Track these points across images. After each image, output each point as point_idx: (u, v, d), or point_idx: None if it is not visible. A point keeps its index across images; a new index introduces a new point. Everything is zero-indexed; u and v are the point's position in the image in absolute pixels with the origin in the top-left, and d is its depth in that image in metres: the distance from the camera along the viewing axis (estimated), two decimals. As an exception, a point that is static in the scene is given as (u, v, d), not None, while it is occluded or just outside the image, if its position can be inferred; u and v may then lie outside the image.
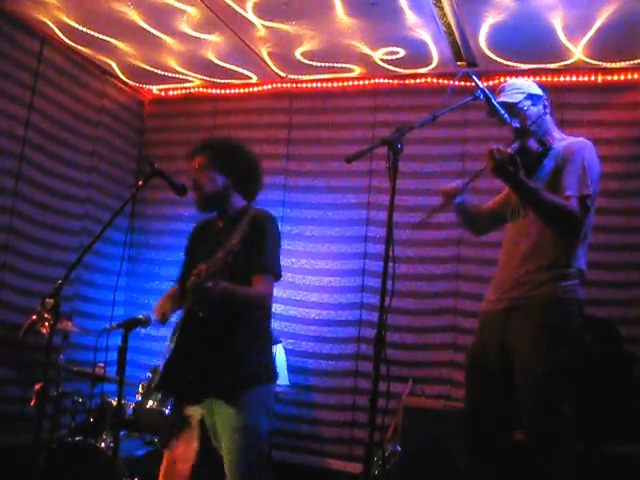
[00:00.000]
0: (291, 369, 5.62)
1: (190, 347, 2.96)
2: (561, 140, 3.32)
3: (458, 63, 5.44)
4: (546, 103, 3.36)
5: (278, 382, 5.14)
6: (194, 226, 3.40)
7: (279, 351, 5.31)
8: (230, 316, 2.96)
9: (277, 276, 3.09)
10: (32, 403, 3.26)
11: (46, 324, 2.78)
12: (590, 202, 3.10)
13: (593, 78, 5.38)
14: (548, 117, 3.36)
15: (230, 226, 2.99)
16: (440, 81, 5.71)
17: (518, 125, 3.27)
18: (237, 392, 2.94)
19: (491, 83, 5.35)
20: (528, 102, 3.30)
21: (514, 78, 3.53)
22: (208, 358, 2.94)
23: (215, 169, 3.12)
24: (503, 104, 3.26)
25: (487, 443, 3.21)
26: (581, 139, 3.28)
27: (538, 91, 3.37)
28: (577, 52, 5.05)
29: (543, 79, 5.28)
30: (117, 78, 6.25)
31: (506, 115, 3.13)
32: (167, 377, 3.03)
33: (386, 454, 4.49)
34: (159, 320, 3.10)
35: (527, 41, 4.94)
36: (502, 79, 5.33)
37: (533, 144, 3.22)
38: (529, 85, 3.39)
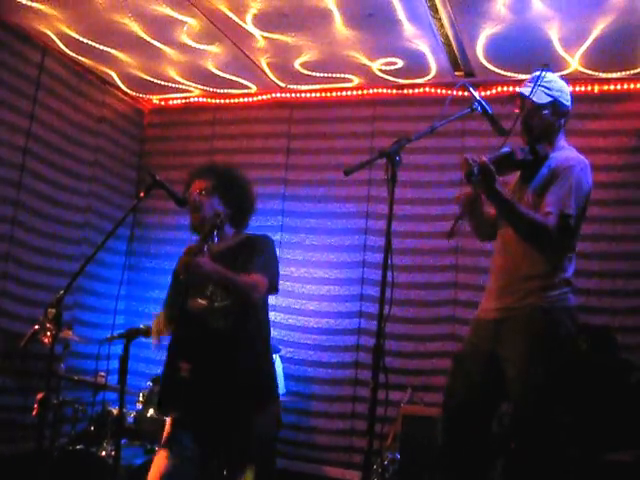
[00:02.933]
0: (290, 377, 5.65)
1: (193, 367, 2.98)
2: (561, 150, 3.22)
3: (456, 73, 5.49)
4: (567, 116, 3.24)
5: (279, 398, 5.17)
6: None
7: (276, 360, 5.32)
8: (233, 333, 3.00)
9: (273, 285, 3.09)
10: (34, 412, 3.27)
11: (48, 334, 2.80)
12: (572, 222, 3.02)
13: (590, 88, 5.42)
14: (561, 129, 3.25)
15: (222, 257, 3.06)
16: (438, 91, 5.76)
17: (532, 123, 3.16)
18: (245, 415, 2.98)
19: (489, 93, 5.41)
20: (550, 108, 3.18)
21: (552, 73, 3.28)
22: (212, 378, 2.97)
23: (218, 196, 3.15)
24: (524, 98, 3.16)
25: (462, 449, 3.20)
26: (576, 155, 3.18)
27: (566, 101, 3.23)
28: (574, 63, 5.09)
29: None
30: (117, 88, 6.29)
31: (502, 127, 3.12)
32: (170, 397, 3.07)
33: (385, 462, 4.51)
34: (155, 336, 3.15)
35: (524, 52, 4.98)
36: (500, 89, 5.40)
37: (520, 154, 3.12)
38: (561, 89, 3.22)
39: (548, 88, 3.19)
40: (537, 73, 3.19)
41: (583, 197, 3.10)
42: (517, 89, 3.24)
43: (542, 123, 3.19)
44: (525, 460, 3.00)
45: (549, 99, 3.17)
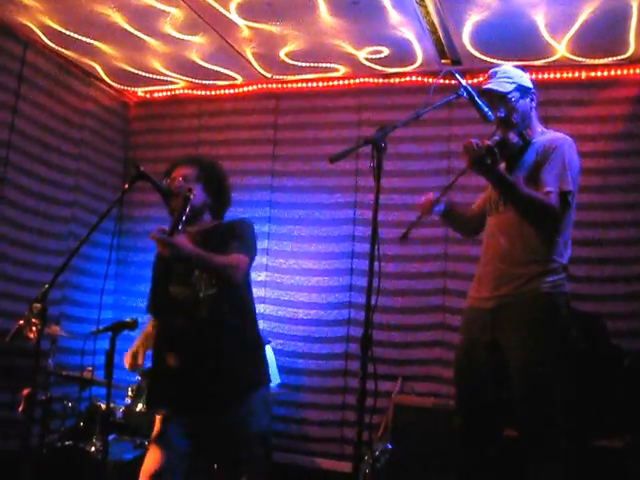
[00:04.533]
0: (280, 369, 5.62)
1: (181, 358, 2.96)
2: (542, 134, 3.31)
3: (442, 61, 5.46)
4: (533, 97, 3.35)
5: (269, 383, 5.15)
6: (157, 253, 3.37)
7: (268, 352, 5.30)
8: (220, 322, 2.98)
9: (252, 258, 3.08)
10: (20, 409, 3.25)
11: (34, 329, 2.77)
12: (571, 198, 3.09)
13: (577, 75, 5.41)
14: (534, 112, 3.36)
15: (201, 238, 3.06)
16: (425, 79, 5.71)
17: (503, 115, 3.24)
18: (237, 400, 2.96)
19: (475, 81, 5.36)
20: (517, 94, 3.27)
21: (506, 65, 3.48)
22: (202, 368, 2.94)
23: (200, 184, 3.14)
24: (492, 91, 3.25)
25: (480, 439, 3.21)
26: (561, 135, 3.27)
27: (528, 83, 3.35)
28: (561, 49, 5.08)
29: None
30: (102, 81, 6.23)
31: (490, 112, 3.12)
32: (158, 392, 3.05)
33: (377, 452, 4.50)
34: (129, 369, 3.16)
35: (510, 38, 4.96)
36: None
37: (514, 137, 3.19)
38: (521, 76, 3.36)
39: (508, 77, 3.32)
40: (493, 70, 3.39)
41: (576, 173, 3.17)
42: (483, 87, 3.32)
43: (516, 107, 3.28)
44: (531, 447, 2.99)
45: (513, 85, 3.29)
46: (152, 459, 2.94)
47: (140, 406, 4.50)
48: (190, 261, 2.88)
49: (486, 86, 3.30)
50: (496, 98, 3.25)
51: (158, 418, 3.04)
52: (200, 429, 2.99)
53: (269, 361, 5.21)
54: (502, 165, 3.28)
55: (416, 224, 3.34)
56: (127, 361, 3.18)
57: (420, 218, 3.38)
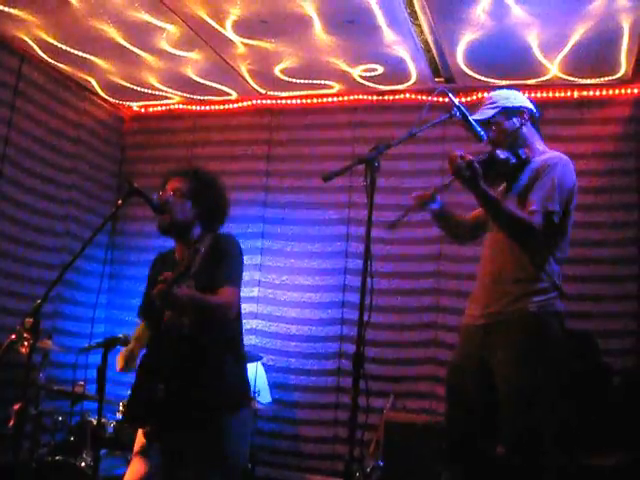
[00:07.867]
0: (273, 385, 5.62)
1: (160, 373, 2.92)
2: (542, 154, 3.28)
3: (436, 79, 5.50)
4: (525, 116, 3.33)
5: (260, 400, 5.13)
6: (154, 258, 3.38)
7: (259, 368, 5.29)
8: (202, 337, 2.95)
9: (240, 285, 3.05)
10: (10, 423, 3.23)
11: (25, 344, 2.76)
12: (557, 218, 3.09)
13: (569, 94, 5.46)
14: (525, 129, 3.33)
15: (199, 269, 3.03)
16: (419, 97, 5.75)
17: (490, 136, 3.26)
18: (214, 420, 2.90)
19: (469, 99, 5.42)
20: (501, 117, 3.28)
21: (498, 90, 3.48)
22: (180, 384, 2.90)
23: (190, 199, 3.10)
24: (476, 121, 3.27)
25: (469, 457, 3.20)
26: (557, 154, 3.25)
27: (516, 103, 3.34)
28: (553, 69, 5.12)
29: (520, 95, 5.36)
30: (97, 95, 6.25)
31: (482, 132, 3.14)
32: (135, 407, 3.03)
33: (368, 469, 4.49)
34: (121, 370, 3.15)
35: (504, 58, 5.00)
36: (480, 95, 5.38)
37: (503, 154, 3.19)
38: (507, 97, 3.36)
39: (491, 102, 3.34)
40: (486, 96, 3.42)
41: (567, 193, 3.14)
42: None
43: (502, 128, 3.29)
44: (516, 465, 2.99)
45: (494, 110, 3.30)
46: (133, 472, 2.93)
47: (131, 421, 4.48)
48: (188, 308, 2.86)
49: (471, 117, 3.31)
50: (483, 125, 3.26)
51: (141, 431, 3.02)
52: (174, 447, 2.94)
53: (260, 378, 5.24)
54: (502, 185, 3.30)
55: (407, 214, 3.32)
56: (119, 364, 3.16)
57: (412, 208, 3.37)
